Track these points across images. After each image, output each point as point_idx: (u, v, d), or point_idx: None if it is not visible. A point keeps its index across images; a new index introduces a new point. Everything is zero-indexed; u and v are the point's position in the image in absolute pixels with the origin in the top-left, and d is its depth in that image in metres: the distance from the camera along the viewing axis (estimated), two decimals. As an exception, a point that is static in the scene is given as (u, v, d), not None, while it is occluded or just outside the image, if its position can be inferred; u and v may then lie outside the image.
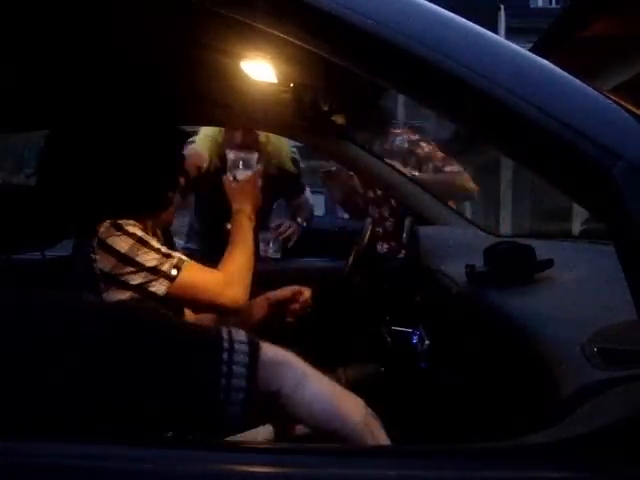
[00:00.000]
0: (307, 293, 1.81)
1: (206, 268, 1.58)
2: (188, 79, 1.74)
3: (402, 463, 0.54)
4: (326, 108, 1.89)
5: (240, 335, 0.60)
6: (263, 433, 0.69)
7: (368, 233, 1.83)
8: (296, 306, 1.79)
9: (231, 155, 1.79)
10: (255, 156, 1.79)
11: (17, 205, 1.60)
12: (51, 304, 0.59)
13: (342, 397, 0.62)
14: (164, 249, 1.52)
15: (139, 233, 1.50)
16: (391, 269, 1.93)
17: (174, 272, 1.48)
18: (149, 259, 1.47)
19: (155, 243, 1.52)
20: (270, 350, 0.61)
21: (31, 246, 1.71)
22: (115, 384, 0.55)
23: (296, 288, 1.81)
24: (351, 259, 1.86)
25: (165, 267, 1.48)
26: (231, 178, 1.75)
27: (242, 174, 1.74)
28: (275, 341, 0.62)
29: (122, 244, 1.47)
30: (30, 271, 1.72)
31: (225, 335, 0.59)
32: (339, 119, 2.05)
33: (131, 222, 1.51)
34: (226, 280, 1.56)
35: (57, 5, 1.21)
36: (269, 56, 1.45)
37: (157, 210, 1.61)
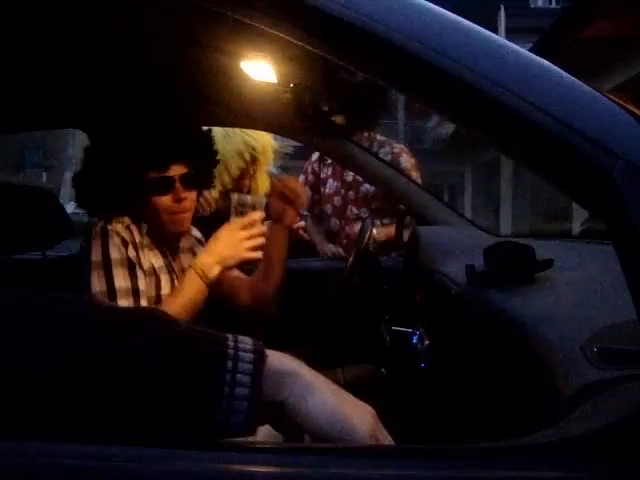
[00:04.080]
0: None
1: None
2: (188, 79, 1.74)
3: (402, 463, 0.54)
4: (326, 108, 1.89)
5: (246, 343, 0.59)
6: (263, 433, 0.69)
7: (368, 233, 1.83)
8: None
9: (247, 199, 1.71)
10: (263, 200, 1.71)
11: (17, 205, 1.60)
12: (51, 308, 0.58)
13: (350, 407, 0.61)
14: None
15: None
16: (391, 269, 1.93)
17: None
18: None
19: None
20: (276, 359, 0.60)
21: (31, 246, 1.71)
22: (115, 389, 0.55)
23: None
24: (351, 259, 1.85)
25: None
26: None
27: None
28: (277, 339, 0.61)
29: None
30: (30, 271, 1.73)
31: (231, 343, 0.58)
32: (339, 119, 2.05)
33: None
34: None
35: (58, 6, 1.21)
36: (269, 56, 1.45)
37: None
